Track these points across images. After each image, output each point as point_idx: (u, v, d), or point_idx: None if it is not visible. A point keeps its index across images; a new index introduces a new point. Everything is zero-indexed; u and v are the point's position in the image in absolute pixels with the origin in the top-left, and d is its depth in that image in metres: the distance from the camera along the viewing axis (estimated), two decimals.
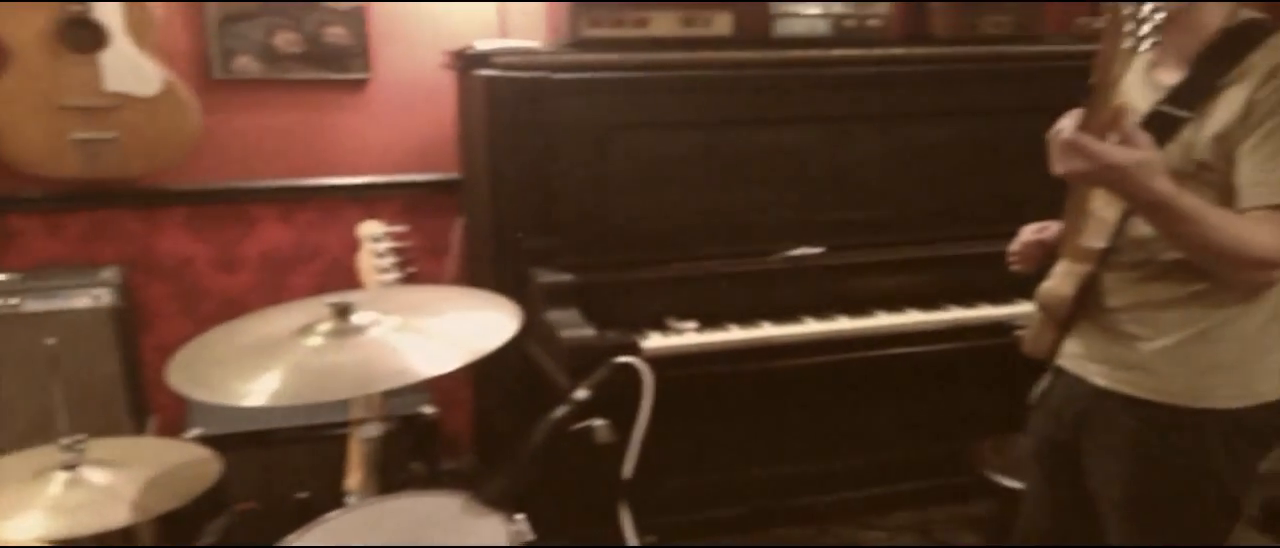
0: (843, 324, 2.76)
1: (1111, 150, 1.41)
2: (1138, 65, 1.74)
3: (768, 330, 2.70)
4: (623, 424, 1.89)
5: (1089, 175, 1.44)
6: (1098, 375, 1.78)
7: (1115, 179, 1.44)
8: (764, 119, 2.91)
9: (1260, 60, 1.56)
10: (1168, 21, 1.59)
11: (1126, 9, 1.35)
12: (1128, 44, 1.37)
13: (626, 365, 1.85)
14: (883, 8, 3.09)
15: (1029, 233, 1.93)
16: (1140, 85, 1.72)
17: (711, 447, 3.09)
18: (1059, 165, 1.46)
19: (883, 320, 2.79)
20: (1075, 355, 1.83)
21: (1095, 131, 1.42)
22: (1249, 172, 1.55)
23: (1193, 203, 1.49)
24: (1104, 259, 1.74)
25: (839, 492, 3.17)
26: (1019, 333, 1.92)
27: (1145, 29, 1.37)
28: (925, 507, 3.30)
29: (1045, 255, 1.88)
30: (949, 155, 3.06)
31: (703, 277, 2.79)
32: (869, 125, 2.99)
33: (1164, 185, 1.45)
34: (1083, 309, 1.79)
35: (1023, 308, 2.87)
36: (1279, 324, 1.66)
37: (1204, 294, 1.64)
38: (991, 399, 3.21)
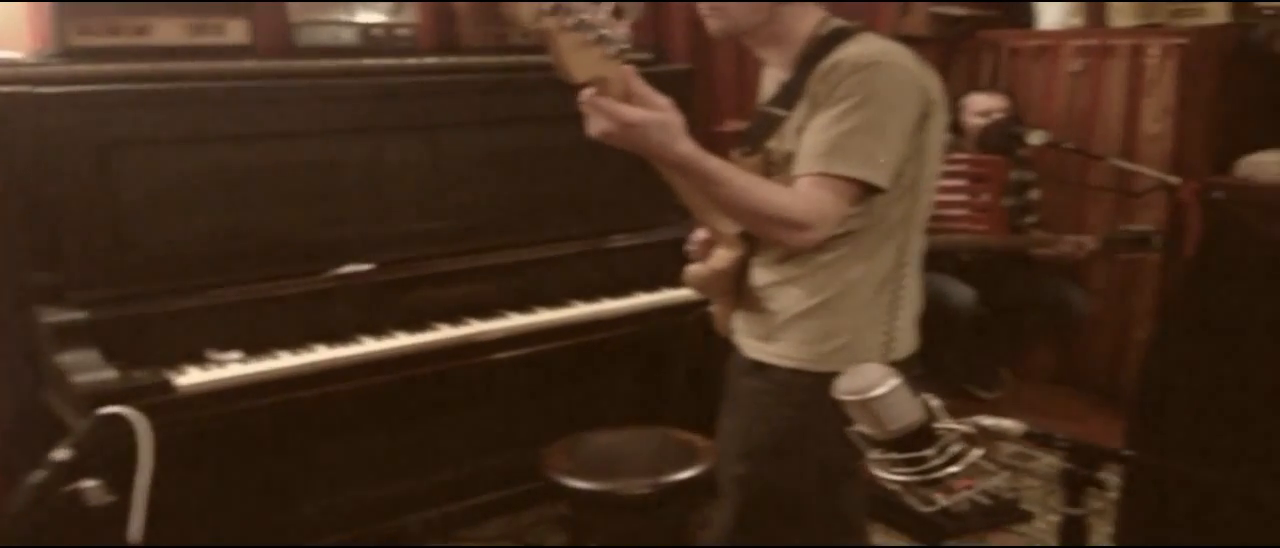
0: (402, 341, 2.69)
1: (629, 110, 1.50)
2: (771, 70, 1.91)
3: (322, 354, 2.57)
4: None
5: (615, 136, 1.51)
6: (746, 348, 1.93)
7: (638, 138, 1.53)
8: (293, 132, 2.76)
9: (825, 63, 1.72)
10: (758, 29, 1.79)
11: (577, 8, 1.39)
12: (592, 43, 1.42)
13: (115, 416, 1.65)
14: (411, 16, 3.04)
15: (701, 232, 2.02)
16: (770, 86, 1.89)
17: (279, 482, 2.90)
18: (591, 127, 1.52)
19: (444, 333, 2.75)
20: (737, 330, 1.97)
21: (617, 97, 1.50)
22: (802, 149, 1.72)
23: (718, 165, 1.62)
24: (750, 243, 1.86)
25: (427, 509, 3.09)
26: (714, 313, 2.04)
27: (611, 31, 1.41)
28: (517, 512, 3.31)
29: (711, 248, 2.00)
30: (492, 164, 3.06)
31: (244, 302, 2.60)
32: (407, 136, 2.92)
33: (685, 146, 1.57)
34: (742, 289, 1.91)
35: (580, 310, 2.96)
36: (887, 295, 1.82)
37: (827, 267, 1.79)
38: (564, 400, 3.31)
